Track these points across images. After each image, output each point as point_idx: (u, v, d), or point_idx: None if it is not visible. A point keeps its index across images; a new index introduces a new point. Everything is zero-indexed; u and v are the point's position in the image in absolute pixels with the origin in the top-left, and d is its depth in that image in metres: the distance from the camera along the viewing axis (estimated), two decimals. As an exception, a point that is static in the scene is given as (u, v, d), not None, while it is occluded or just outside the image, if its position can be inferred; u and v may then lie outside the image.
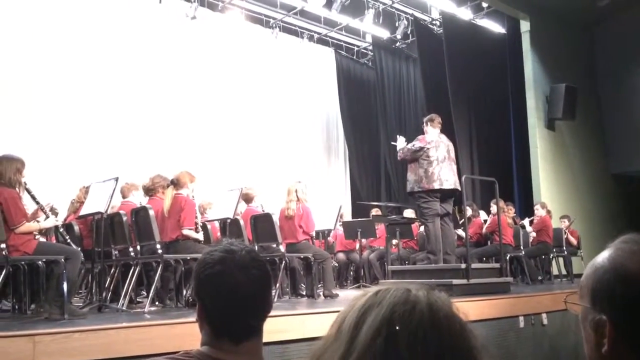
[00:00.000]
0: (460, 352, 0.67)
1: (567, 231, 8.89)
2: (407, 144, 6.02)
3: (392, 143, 6.84)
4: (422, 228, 7.57)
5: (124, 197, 6.04)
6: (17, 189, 4.06)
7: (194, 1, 9.93)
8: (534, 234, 8.43)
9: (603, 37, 11.37)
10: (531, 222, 8.60)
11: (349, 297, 0.89)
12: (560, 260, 8.82)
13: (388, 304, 0.69)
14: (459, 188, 5.91)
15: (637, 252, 0.86)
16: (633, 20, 10.65)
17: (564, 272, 8.74)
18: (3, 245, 3.88)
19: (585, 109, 10.72)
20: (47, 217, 4.32)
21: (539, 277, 8.09)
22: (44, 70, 8.38)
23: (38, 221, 4.32)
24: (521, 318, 4.87)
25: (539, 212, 8.44)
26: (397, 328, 0.66)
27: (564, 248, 8.64)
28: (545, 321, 5.02)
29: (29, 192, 4.22)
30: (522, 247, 8.04)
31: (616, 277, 0.84)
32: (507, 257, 7.25)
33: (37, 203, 4.29)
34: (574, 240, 8.98)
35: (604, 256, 0.89)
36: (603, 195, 10.88)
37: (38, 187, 4.46)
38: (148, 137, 9.15)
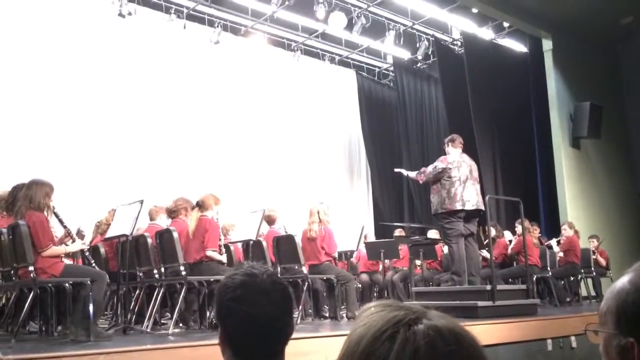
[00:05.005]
0: None
1: (596, 251, 8.71)
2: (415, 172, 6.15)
3: (395, 170, 6.93)
4: (446, 249, 7.49)
5: (151, 219, 6.11)
6: (45, 212, 4.15)
7: (217, 26, 10.13)
8: (561, 254, 8.28)
9: (628, 54, 11.24)
10: (558, 242, 8.45)
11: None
12: (589, 281, 8.61)
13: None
14: (483, 208, 5.85)
15: None
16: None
17: (592, 293, 8.53)
18: (31, 268, 3.96)
19: (611, 127, 10.57)
20: (74, 240, 4.40)
21: (567, 299, 7.92)
22: (71, 95, 8.57)
23: (66, 244, 4.40)
24: (549, 341, 4.77)
25: (567, 232, 8.30)
26: None
27: (593, 269, 8.45)
28: (574, 344, 4.90)
29: (57, 216, 4.31)
30: (549, 268, 7.88)
31: None
32: (534, 278, 7.13)
33: (65, 227, 4.37)
34: (602, 261, 8.78)
35: (623, 280, 0.88)
36: (631, 214, 10.65)
37: (65, 210, 4.55)
38: (173, 160, 9.28)
